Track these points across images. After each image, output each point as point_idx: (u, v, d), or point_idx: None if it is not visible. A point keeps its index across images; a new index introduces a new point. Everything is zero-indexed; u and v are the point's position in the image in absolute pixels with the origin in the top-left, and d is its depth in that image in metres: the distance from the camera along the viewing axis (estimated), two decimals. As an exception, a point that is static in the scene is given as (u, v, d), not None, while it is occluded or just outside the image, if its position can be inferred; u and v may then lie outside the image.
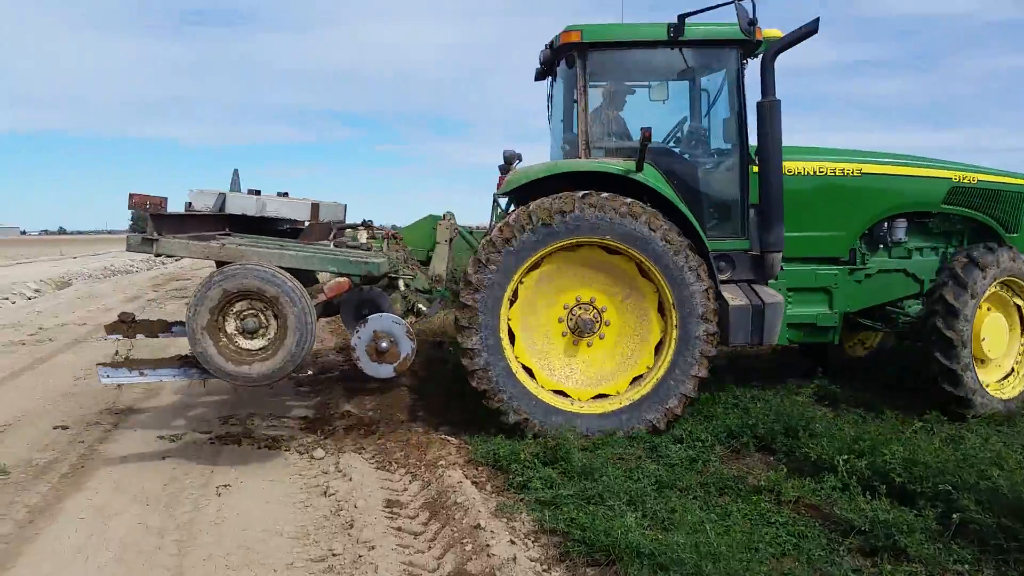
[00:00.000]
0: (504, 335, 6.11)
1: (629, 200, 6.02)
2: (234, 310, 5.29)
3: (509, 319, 6.16)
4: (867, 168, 7.06)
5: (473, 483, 5.20)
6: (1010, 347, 7.00)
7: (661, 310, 6.24)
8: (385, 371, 5.71)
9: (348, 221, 7.40)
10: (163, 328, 6.55)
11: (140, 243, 5.29)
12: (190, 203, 6.16)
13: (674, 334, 6.12)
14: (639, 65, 6.91)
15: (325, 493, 5.31)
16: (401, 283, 6.00)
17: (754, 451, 5.91)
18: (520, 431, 6.02)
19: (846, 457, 4.96)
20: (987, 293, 6.66)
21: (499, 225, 6.12)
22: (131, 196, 5.43)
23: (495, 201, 7.63)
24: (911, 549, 4.00)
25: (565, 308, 6.26)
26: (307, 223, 6.40)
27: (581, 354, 6.32)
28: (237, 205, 6.13)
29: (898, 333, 7.46)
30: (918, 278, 7.30)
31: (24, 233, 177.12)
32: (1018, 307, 7.04)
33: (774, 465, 5.57)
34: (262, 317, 5.30)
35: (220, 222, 6.23)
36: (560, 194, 6.05)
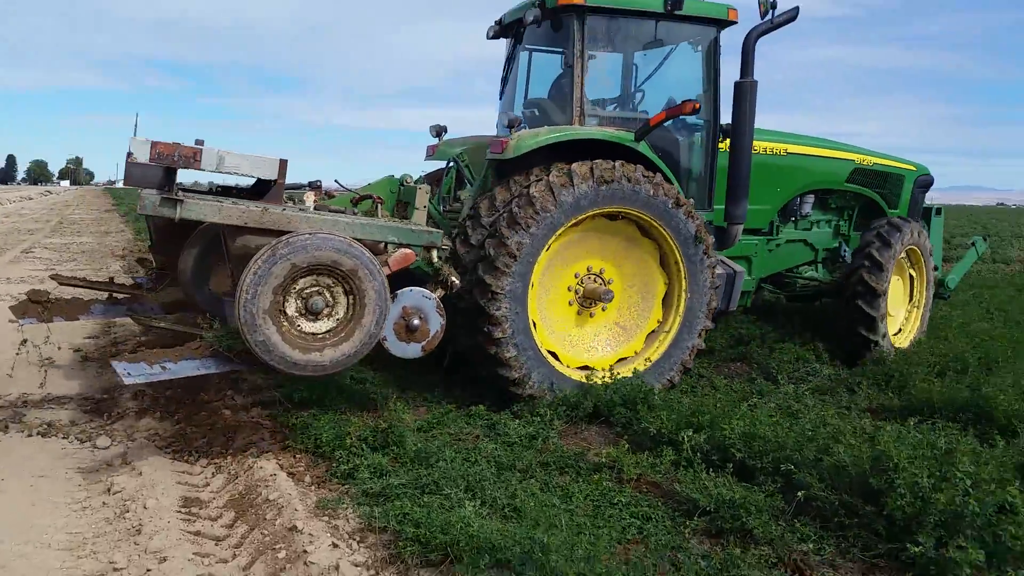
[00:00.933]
0: (531, 320, 5.86)
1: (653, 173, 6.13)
2: (296, 288, 4.48)
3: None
4: (792, 148, 7.63)
5: (289, 474, 4.57)
6: (902, 307, 8.10)
7: (662, 263, 6.38)
8: (413, 351, 5.03)
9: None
10: (82, 310, 5.78)
11: (160, 204, 4.37)
12: (130, 152, 5.09)
13: (683, 296, 6.32)
14: (625, 34, 6.88)
15: (108, 491, 4.51)
16: (435, 254, 5.30)
17: (592, 424, 5.68)
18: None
19: (689, 434, 4.79)
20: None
21: (538, 188, 5.74)
22: (154, 145, 4.44)
23: (457, 165, 7.13)
24: (757, 531, 3.85)
25: (568, 289, 6.18)
26: (274, 182, 5.34)
27: (593, 323, 6.31)
28: None
29: (791, 296, 8.53)
30: (814, 247, 8.15)
31: None
32: (911, 276, 8.09)
33: (613, 439, 5.36)
34: (327, 295, 4.58)
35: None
36: (595, 161, 5.89)
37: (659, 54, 7.11)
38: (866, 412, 5.99)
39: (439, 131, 7.46)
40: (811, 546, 3.80)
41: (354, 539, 3.82)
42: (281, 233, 4.52)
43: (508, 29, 7.25)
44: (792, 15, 6.62)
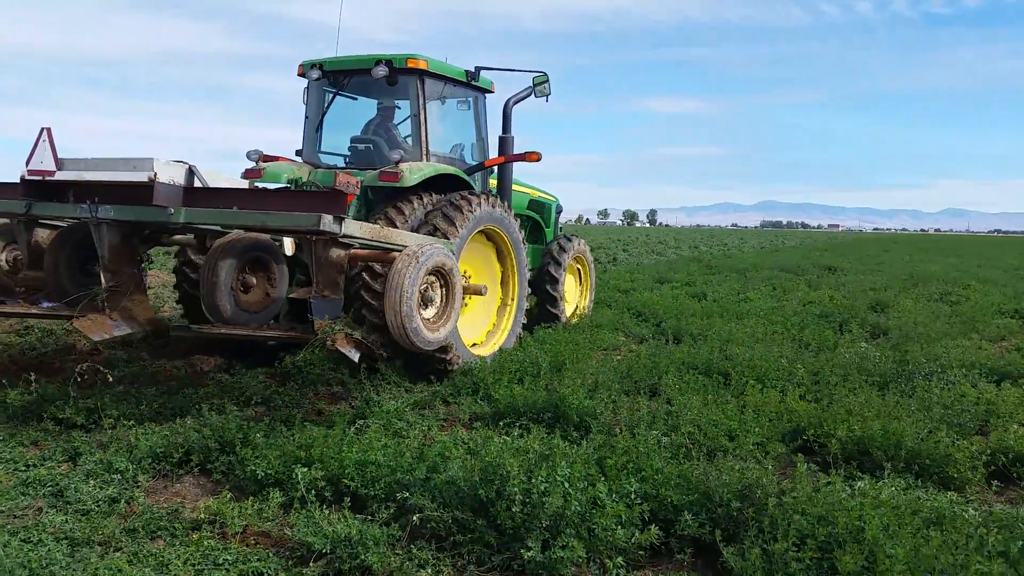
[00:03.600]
0: None
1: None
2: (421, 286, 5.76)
3: None
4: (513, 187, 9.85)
5: None
6: (575, 296, 11.59)
7: (500, 282, 8.75)
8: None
9: None
10: None
11: (333, 222, 5.22)
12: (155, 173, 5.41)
13: (515, 302, 8.79)
14: (441, 93, 8.75)
15: None
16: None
17: (186, 474, 5.06)
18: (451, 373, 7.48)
19: (302, 470, 4.50)
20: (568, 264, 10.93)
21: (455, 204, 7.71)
22: (336, 176, 5.44)
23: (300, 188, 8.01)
24: (376, 566, 3.72)
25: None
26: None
27: (463, 314, 7.63)
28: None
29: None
30: None
31: None
32: (578, 270, 11.61)
33: (212, 489, 4.84)
34: (430, 289, 6.02)
35: None
36: (463, 192, 8.09)
37: (450, 110, 9.23)
38: (466, 422, 6.29)
39: (260, 157, 8.40)
40: (429, 571, 3.80)
41: None
42: (384, 247, 6.01)
43: (330, 75, 8.69)
44: (542, 93, 9.48)
